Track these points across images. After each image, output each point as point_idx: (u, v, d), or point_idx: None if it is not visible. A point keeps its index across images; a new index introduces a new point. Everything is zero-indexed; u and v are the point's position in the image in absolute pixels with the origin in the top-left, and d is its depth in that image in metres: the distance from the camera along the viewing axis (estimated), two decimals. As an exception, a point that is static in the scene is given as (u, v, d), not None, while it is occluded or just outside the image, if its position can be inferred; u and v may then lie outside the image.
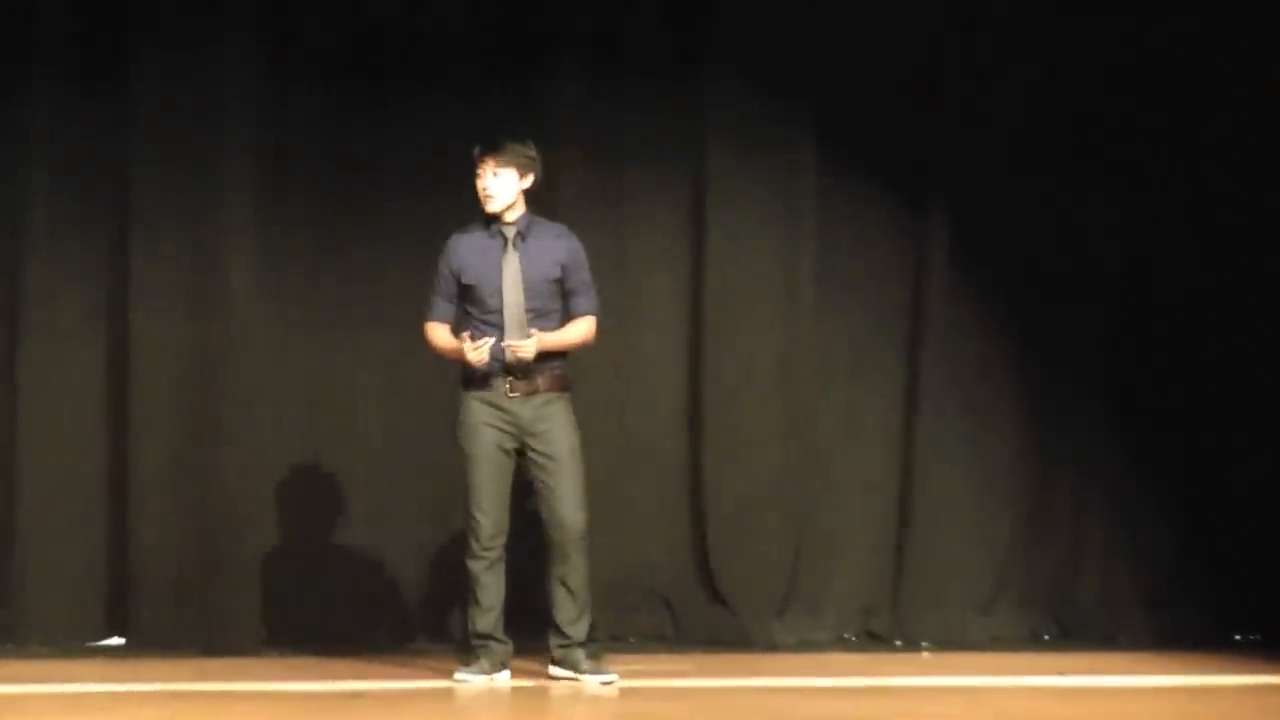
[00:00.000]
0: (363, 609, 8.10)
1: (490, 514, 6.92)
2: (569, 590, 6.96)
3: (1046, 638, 8.49)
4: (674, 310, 8.20)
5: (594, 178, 8.20)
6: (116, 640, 7.98)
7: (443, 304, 7.01)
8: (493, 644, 7.01)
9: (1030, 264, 8.43)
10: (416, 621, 8.07)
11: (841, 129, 8.29)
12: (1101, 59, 8.32)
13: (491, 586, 6.94)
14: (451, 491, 7.47)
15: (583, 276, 6.99)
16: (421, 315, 7.14)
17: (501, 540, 6.96)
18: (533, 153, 6.89)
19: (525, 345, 6.84)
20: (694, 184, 8.25)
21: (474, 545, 6.91)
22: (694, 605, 8.23)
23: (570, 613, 6.98)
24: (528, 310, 6.88)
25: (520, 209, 6.94)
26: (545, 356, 6.88)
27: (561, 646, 7.08)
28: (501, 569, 6.95)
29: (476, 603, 6.92)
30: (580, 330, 6.99)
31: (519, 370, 6.84)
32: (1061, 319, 8.47)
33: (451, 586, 7.73)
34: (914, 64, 8.30)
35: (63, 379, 7.94)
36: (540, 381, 6.88)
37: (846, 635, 8.40)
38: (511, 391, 6.84)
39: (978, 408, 8.46)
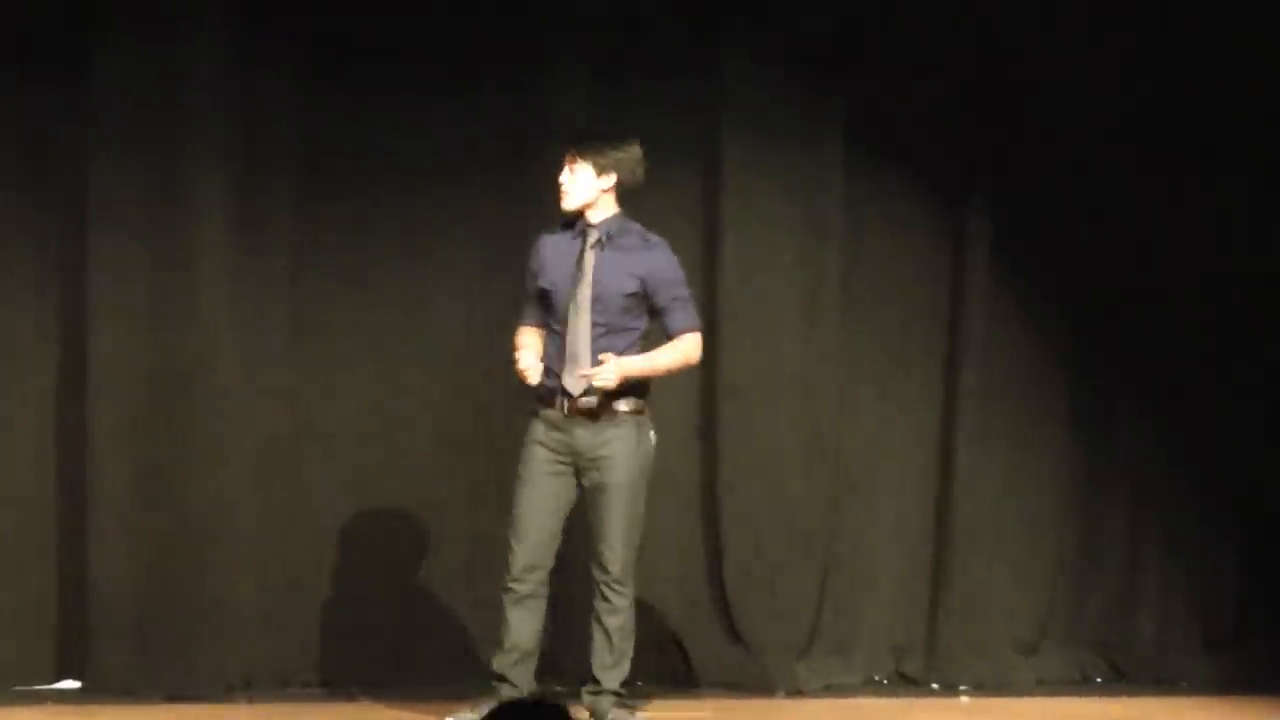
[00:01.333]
0: (345, 651, 7.85)
1: (526, 542, 6.72)
2: (605, 634, 6.79)
3: (1098, 681, 8.37)
4: (686, 320, 7.92)
5: None
6: (71, 684, 7.76)
7: (528, 307, 6.87)
8: (504, 688, 6.74)
9: (1081, 271, 8.30)
10: (407, 664, 7.82)
11: (872, 121, 8.12)
12: (1163, 50, 8.25)
13: (517, 625, 6.74)
14: (443, 523, 7.66)
15: (674, 292, 6.76)
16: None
17: (539, 575, 6.77)
18: (621, 153, 6.72)
19: (603, 373, 6.62)
20: (707, 182, 8.07)
21: (505, 576, 6.76)
22: (709, 645, 8.05)
23: (604, 659, 6.81)
24: (596, 325, 6.69)
25: (605, 211, 6.76)
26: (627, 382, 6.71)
27: (592, 693, 6.89)
28: (536, 607, 6.78)
29: (498, 639, 6.77)
30: (679, 351, 6.79)
31: (583, 389, 6.68)
32: (1116, 332, 8.35)
33: (444, 623, 7.78)
34: (953, 51, 8.14)
35: (11, 402, 7.72)
36: (606, 402, 6.68)
37: (877, 678, 8.26)
38: (568, 411, 6.65)
39: (1022, 429, 8.34)
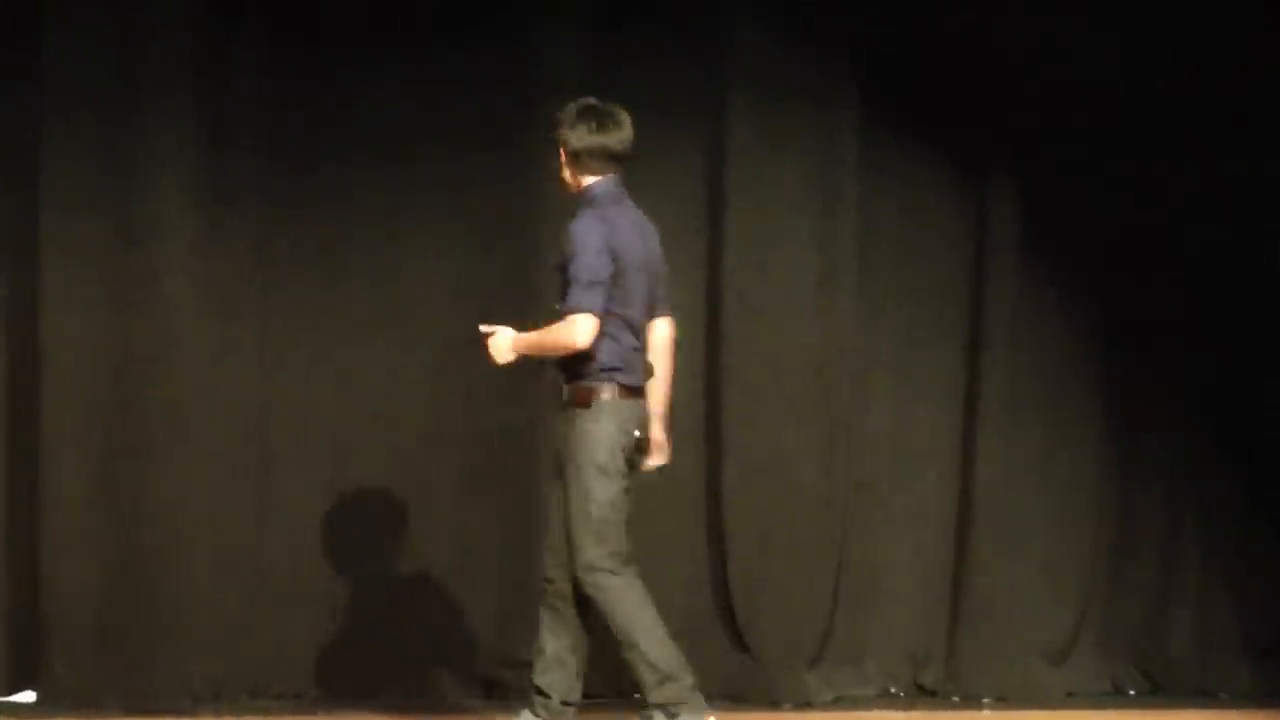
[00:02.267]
0: (321, 660, 7.79)
1: (547, 541, 6.62)
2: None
3: (1132, 693, 8.36)
4: (686, 302, 7.71)
5: None
6: (26, 696, 7.71)
7: None
8: (538, 700, 6.59)
9: (1114, 249, 8.26)
10: (388, 674, 7.78)
11: (890, 84, 8.08)
12: (1197, 20, 8.20)
13: (550, 630, 6.57)
14: (428, 522, 7.65)
15: (571, 266, 6.51)
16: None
17: (568, 575, 6.61)
18: (562, 125, 6.59)
19: (495, 340, 6.58)
20: (711, 149, 8.04)
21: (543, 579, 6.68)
22: (713, 653, 7.90)
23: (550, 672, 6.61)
24: (556, 308, 6.57)
25: (581, 185, 6.65)
26: (565, 366, 6.56)
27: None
28: (571, 612, 6.58)
29: (536, 646, 6.63)
30: (550, 330, 6.54)
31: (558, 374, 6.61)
32: (1152, 315, 8.31)
33: (429, 631, 7.75)
34: (978, 9, 8.09)
35: (-42, 393, 7.72)
36: (566, 390, 6.58)
37: (893, 690, 8.23)
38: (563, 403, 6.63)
39: (1051, 419, 8.30)
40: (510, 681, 7.45)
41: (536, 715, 6.55)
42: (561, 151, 6.61)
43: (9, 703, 7.61)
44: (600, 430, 6.54)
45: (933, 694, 8.14)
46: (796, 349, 8.02)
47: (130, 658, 7.54)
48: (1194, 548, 8.35)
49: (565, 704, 6.54)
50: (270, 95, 7.71)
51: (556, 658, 6.55)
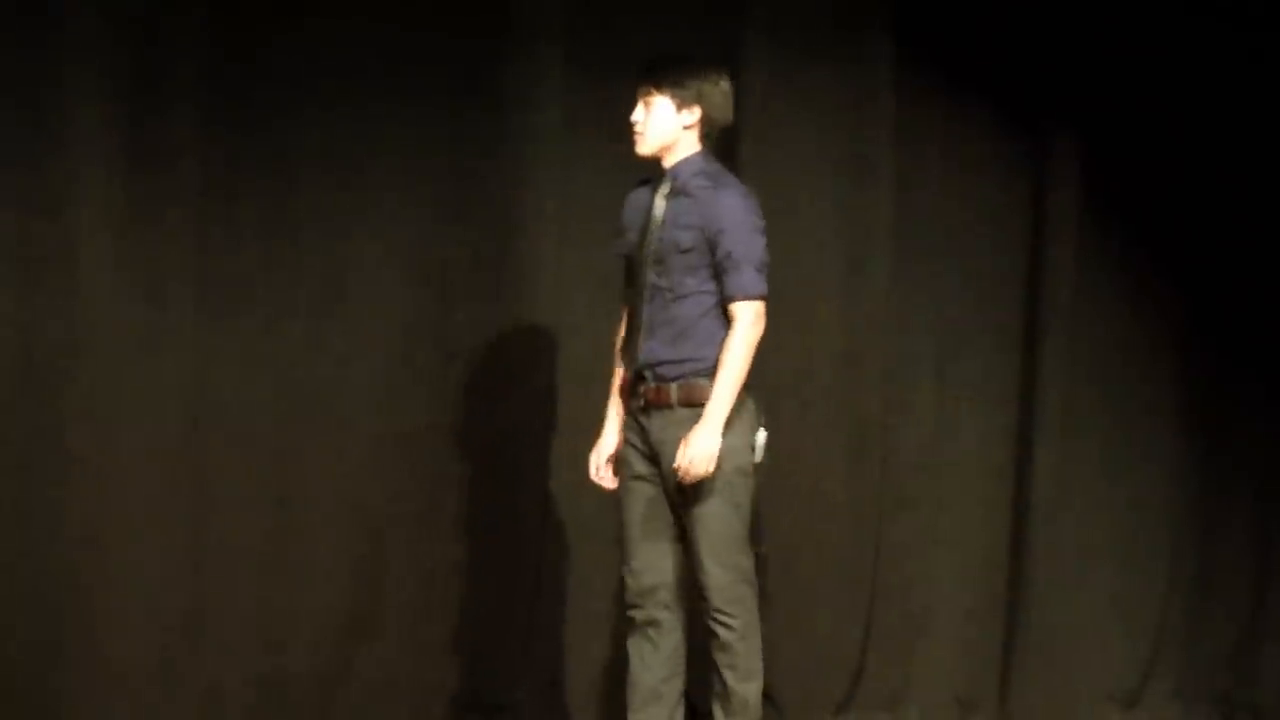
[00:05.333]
0: (262, 705, 7.32)
1: (634, 561, 6.49)
2: (719, 677, 6.48)
3: None
4: (698, 287, 7.86)
5: (586, 100, 7.57)
6: None
7: (626, 285, 6.74)
8: None
9: (1192, 227, 7.97)
10: (346, 710, 7.34)
11: (931, 33, 7.73)
12: None
13: (639, 657, 6.49)
14: (390, 541, 7.24)
15: (729, 246, 6.36)
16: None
17: (659, 597, 6.48)
18: (707, 83, 6.48)
19: (692, 466, 6.30)
20: None
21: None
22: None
23: (718, 711, 6.54)
24: (657, 289, 6.43)
25: (685, 153, 6.52)
26: (672, 360, 6.41)
27: None
28: (663, 635, 6.48)
29: (629, 680, 6.59)
30: (730, 347, 6.33)
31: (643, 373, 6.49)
32: (1234, 303, 8.01)
33: (390, 670, 7.29)
34: None
35: None
36: (671, 390, 6.44)
37: None
38: (645, 401, 6.48)
39: (1118, 423, 8.04)
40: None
41: None
42: (683, 106, 6.45)
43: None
44: (737, 431, 6.46)
45: (983, 742, 7.97)
46: (822, 343, 7.71)
47: (40, 704, 7.09)
48: (1286, 575, 8.18)
49: None
50: (208, 45, 7.26)
51: (654, 692, 6.49)
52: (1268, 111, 7.92)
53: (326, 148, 7.38)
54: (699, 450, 6.30)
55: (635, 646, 6.49)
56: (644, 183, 6.65)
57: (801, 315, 7.66)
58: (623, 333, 6.60)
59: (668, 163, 6.55)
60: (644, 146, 6.53)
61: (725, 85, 6.57)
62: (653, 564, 6.45)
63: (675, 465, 6.31)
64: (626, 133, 6.66)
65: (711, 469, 6.37)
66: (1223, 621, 8.09)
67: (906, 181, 7.78)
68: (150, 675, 7.18)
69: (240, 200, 7.37)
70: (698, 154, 6.53)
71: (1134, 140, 7.90)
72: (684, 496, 6.42)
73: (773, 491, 7.60)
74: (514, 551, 7.26)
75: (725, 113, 6.57)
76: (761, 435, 6.43)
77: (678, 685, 6.51)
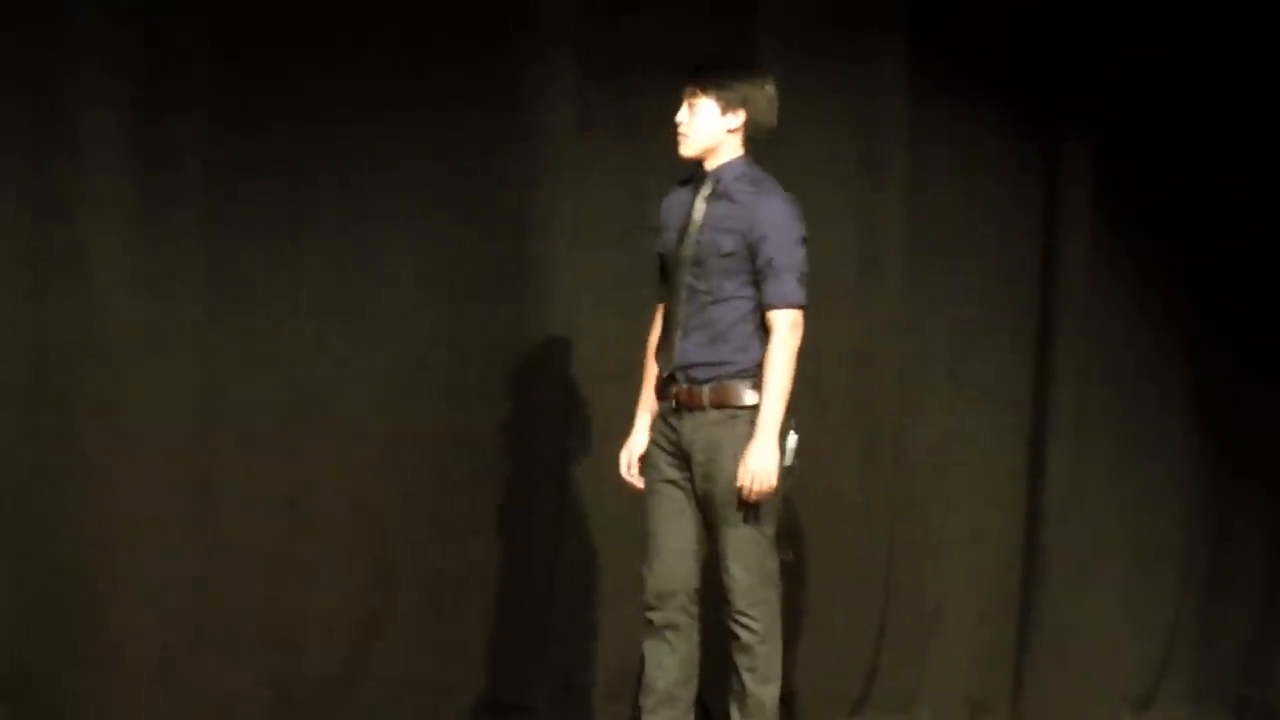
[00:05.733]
0: (274, 710, 7.31)
1: (656, 561, 6.47)
2: (738, 679, 6.48)
3: None
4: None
5: (598, 101, 7.56)
6: None
7: (660, 283, 6.70)
8: None
9: (1207, 227, 7.95)
10: (359, 712, 7.32)
11: (944, 32, 7.73)
12: None
13: (655, 659, 6.50)
14: (399, 544, 7.22)
15: (770, 252, 6.37)
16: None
17: (679, 600, 6.47)
18: (753, 87, 6.50)
19: (756, 485, 6.31)
20: None
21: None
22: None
23: (735, 712, 6.52)
24: (695, 292, 6.42)
25: (727, 156, 6.51)
26: (707, 362, 6.42)
27: None
28: (680, 638, 6.48)
29: (644, 683, 6.60)
30: (773, 357, 6.34)
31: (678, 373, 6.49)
32: (1250, 303, 7.99)
33: (402, 673, 7.27)
34: None
35: None
36: (704, 392, 6.43)
37: None
38: (677, 402, 6.48)
39: (1131, 422, 8.03)
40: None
41: None
42: (728, 109, 6.45)
43: (-96, 759, 7.21)
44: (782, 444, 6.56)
45: (996, 745, 7.93)
46: (834, 344, 7.63)
47: (49, 708, 7.10)
48: (1302, 576, 8.11)
49: None
50: (217, 48, 7.27)
51: (669, 695, 6.48)
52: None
53: (335, 148, 7.37)
54: (759, 465, 6.30)
55: (651, 649, 6.47)
56: (684, 182, 6.65)
57: (814, 316, 7.31)
58: (657, 332, 6.59)
59: (710, 165, 6.54)
60: (687, 148, 6.53)
61: (771, 90, 6.56)
62: (674, 568, 6.43)
63: (738, 484, 6.30)
64: (670, 134, 6.61)
65: (775, 484, 6.36)
66: (1235, 622, 8.08)
67: (919, 182, 7.77)
68: (163, 675, 7.17)
69: (249, 201, 7.35)
70: (740, 158, 6.54)
71: (1146, 140, 7.89)
72: (712, 498, 6.41)
73: (787, 491, 7.59)
74: (528, 552, 7.25)
75: (770, 117, 6.55)
76: (792, 439, 6.42)
77: (692, 689, 6.48)
